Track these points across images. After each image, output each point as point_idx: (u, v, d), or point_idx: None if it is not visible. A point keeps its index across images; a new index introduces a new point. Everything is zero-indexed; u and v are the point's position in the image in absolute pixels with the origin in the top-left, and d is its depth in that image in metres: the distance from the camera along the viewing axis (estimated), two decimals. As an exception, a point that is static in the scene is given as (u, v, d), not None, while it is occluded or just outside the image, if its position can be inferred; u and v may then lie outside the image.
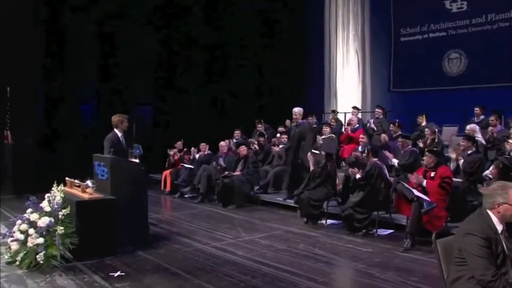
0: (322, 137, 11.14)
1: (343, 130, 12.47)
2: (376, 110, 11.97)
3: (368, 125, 11.77)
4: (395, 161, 8.47)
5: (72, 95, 13.41)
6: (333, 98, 16.19)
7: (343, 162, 10.83)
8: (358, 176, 7.50)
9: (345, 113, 14.11)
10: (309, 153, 9.27)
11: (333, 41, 16.27)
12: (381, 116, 11.76)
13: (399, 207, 6.81)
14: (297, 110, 9.29)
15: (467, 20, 13.14)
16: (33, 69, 12.30)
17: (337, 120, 13.13)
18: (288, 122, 13.59)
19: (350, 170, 7.76)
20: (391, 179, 7.77)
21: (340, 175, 8.57)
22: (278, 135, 12.06)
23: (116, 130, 7.07)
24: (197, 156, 11.77)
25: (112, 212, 6.04)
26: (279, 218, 8.80)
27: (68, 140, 12.94)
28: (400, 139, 8.75)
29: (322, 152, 8.61)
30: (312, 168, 8.50)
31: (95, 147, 7.65)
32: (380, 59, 15.13)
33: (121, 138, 7.07)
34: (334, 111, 13.83)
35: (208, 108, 15.94)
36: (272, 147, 11.48)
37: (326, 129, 11.17)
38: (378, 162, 7.63)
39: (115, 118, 7.11)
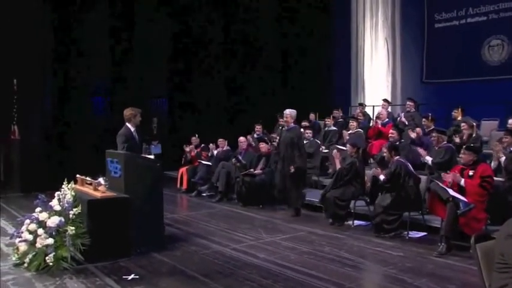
0: (349, 132, 11.10)
1: (371, 124, 12.38)
2: (408, 102, 11.87)
3: (398, 119, 11.68)
4: (428, 159, 8.39)
5: (83, 87, 13.56)
6: (360, 90, 16.10)
7: (371, 159, 10.79)
8: (382, 177, 7.45)
9: (373, 106, 14.03)
10: (335, 150, 9.23)
11: (360, 29, 16.17)
12: (413, 110, 11.66)
13: (433, 207, 6.74)
14: (289, 112, 8.76)
15: (511, 2, 12.81)
16: (41, 60, 12.44)
17: (365, 114, 13.06)
18: (312, 115, 13.58)
19: (373, 170, 7.74)
20: (423, 177, 7.70)
21: (369, 173, 8.51)
22: (302, 130, 12.02)
23: (128, 125, 7.11)
24: (215, 152, 11.80)
25: (126, 212, 6.10)
26: (302, 218, 8.81)
27: (78, 134, 13.10)
28: (434, 134, 8.65)
29: (348, 148, 8.55)
30: (338, 166, 8.46)
31: (108, 142, 7.72)
32: (412, 48, 14.97)
33: (134, 133, 7.10)
34: (362, 105, 13.75)
35: (227, 101, 15.98)
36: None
37: (353, 124, 11.12)
38: (401, 159, 7.58)
39: (127, 112, 7.13)
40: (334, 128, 11.97)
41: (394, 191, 7.28)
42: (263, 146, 10.45)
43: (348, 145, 8.75)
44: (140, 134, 7.26)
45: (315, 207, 9.29)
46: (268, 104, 15.01)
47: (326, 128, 12.16)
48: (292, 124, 8.77)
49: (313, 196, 9.72)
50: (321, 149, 11.10)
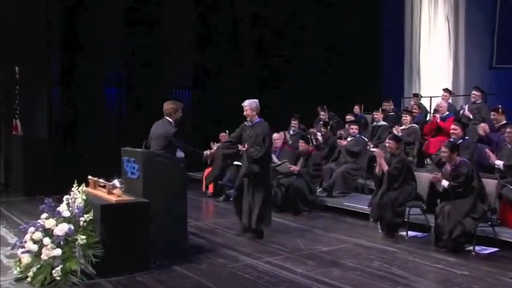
0: (401, 127, 10.99)
1: (428, 119, 12.23)
2: (473, 92, 11.64)
3: (462, 112, 11.48)
4: (499, 163, 8.20)
5: (96, 76, 13.67)
6: (415, 78, 15.94)
7: (428, 160, 10.67)
8: (445, 183, 7.32)
9: (431, 97, 13.85)
10: (377, 149, 9.11)
11: (416, 5, 15.97)
12: (479, 101, 11.43)
13: (506, 218, 6.61)
14: (247, 104, 8.02)
15: None
16: (47, 44, 12.62)
17: (421, 107, 12.90)
18: (356, 108, 13.50)
19: (433, 176, 7.62)
20: (492, 181, 7.58)
21: (425, 176, 8.41)
22: (346, 125, 11.97)
23: (169, 119, 7.30)
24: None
25: (144, 218, 6.15)
26: (346, 227, 8.79)
27: (90, 130, 13.25)
28: (508, 129, 8.45)
29: (389, 143, 8.40)
30: (385, 167, 8.28)
31: (124, 139, 7.82)
32: (479, 27, 14.71)
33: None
34: (417, 95, 13.59)
35: (259, 93, 15.98)
36: (338, 140, 11.40)
37: (406, 118, 11.01)
38: (464, 158, 7.50)
39: (168, 106, 7.35)
40: (384, 123, 11.86)
41: (467, 196, 7.16)
42: (303, 145, 10.42)
43: (388, 140, 8.54)
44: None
45: (360, 214, 9.24)
46: (308, 95, 14.96)
47: (374, 123, 12.06)
48: (256, 118, 8.09)
49: (358, 202, 9.69)
50: (368, 147, 11.02)
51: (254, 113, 7.98)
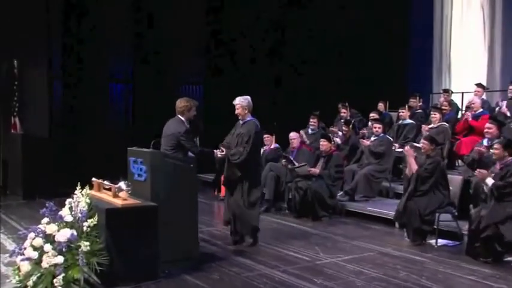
0: (430, 126, 10.94)
1: (459, 117, 12.17)
2: (510, 87, 11.59)
3: (498, 109, 11.42)
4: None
5: (100, 70, 13.73)
6: (445, 72, 15.88)
7: (460, 161, 10.61)
8: (490, 181, 7.25)
9: (462, 93, 13.78)
10: (407, 147, 9.07)
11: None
12: (517, 96, 11.40)
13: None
14: (238, 102, 7.96)
15: None
16: (48, 36, 12.69)
17: (451, 103, 12.83)
18: (380, 105, 13.44)
19: (477, 171, 7.53)
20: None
21: (457, 178, 8.36)
22: (369, 124, 11.94)
23: (181, 118, 7.34)
24: (261, 151, 11.84)
25: (153, 223, 6.17)
26: (370, 234, 8.78)
27: (94, 128, 13.33)
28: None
29: (423, 144, 8.37)
30: (415, 167, 8.26)
31: (130, 138, 7.85)
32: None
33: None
34: (447, 91, 13.51)
35: (274, 86, 16.00)
36: (361, 140, 11.38)
37: (435, 116, 10.96)
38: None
39: (181, 103, 7.39)
40: (411, 122, 11.83)
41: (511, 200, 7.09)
42: (325, 144, 10.40)
43: (422, 140, 8.52)
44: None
45: (385, 220, 9.23)
46: (327, 90, 14.97)
47: (400, 122, 12.02)
48: (249, 117, 7.96)
49: (383, 207, 9.67)
50: (393, 147, 10.99)
51: (246, 111, 7.92)
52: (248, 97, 8.01)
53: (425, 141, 8.39)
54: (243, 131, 7.81)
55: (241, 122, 7.97)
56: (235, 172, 7.75)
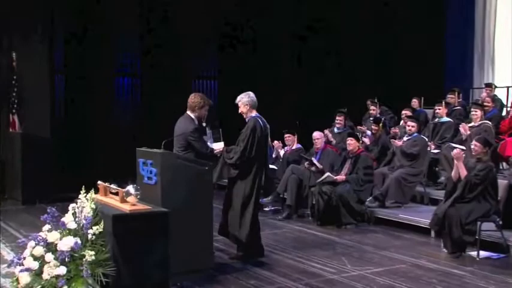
0: (470, 124, 10.88)
1: (504, 114, 12.10)
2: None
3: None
4: None
5: (105, 63, 13.80)
6: (487, 65, 15.81)
7: (504, 164, 10.54)
8: None
9: (508, 87, 13.69)
10: (456, 150, 9.00)
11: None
12: None
13: None
14: (239, 99, 7.98)
15: None
16: (50, 26, 12.76)
17: (495, 99, 12.76)
18: (414, 102, 13.41)
19: None
20: None
21: (501, 183, 8.29)
22: (402, 122, 11.90)
23: (190, 115, 7.40)
24: (282, 152, 11.85)
25: (164, 231, 6.15)
26: (402, 244, 8.75)
27: (99, 127, 13.40)
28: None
29: (475, 146, 8.29)
30: (464, 172, 8.16)
31: (139, 137, 7.89)
32: None
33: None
34: (490, 85, 13.47)
35: (297, 81, 15.98)
36: (392, 140, 11.32)
37: (476, 113, 10.89)
38: None
39: (194, 98, 7.47)
40: (448, 120, 11.80)
41: None
42: (352, 143, 10.40)
43: (474, 142, 8.39)
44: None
45: (419, 228, 9.21)
46: (355, 87, 14.95)
47: (436, 120, 11.98)
48: (253, 114, 7.88)
49: (417, 214, 9.65)
50: (428, 148, 10.94)
51: (248, 108, 7.87)
52: (250, 93, 7.96)
53: (478, 143, 8.23)
54: (243, 130, 7.83)
55: (246, 120, 7.99)
56: (231, 174, 7.76)
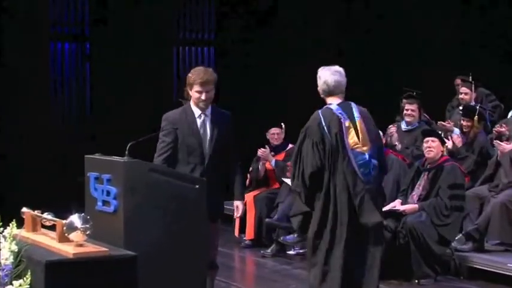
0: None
1: None
2: None
3: None
4: None
5: (36, 22, 13.93)
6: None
7: None
8: None
9: None
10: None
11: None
12: None
13: None
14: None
15: None
16: None
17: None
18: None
19: None
20: None
21: None
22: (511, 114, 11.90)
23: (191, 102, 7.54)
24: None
25: (128, 286, 6.11)
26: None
27: (25, 124, 13.45)
28: None
29: None
30: None
31: (88, 137, 7.84)
32: None
33: (199, 120, 7.49)
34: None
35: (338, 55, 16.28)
36: (495, 142, 11.28)
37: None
38: None
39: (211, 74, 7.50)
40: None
41: None
42: (434, 146, 10.39)
43: None
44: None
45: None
46: (437, 58, 15.49)
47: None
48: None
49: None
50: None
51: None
52: (320, 71, 7.98)
53: None
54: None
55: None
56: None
